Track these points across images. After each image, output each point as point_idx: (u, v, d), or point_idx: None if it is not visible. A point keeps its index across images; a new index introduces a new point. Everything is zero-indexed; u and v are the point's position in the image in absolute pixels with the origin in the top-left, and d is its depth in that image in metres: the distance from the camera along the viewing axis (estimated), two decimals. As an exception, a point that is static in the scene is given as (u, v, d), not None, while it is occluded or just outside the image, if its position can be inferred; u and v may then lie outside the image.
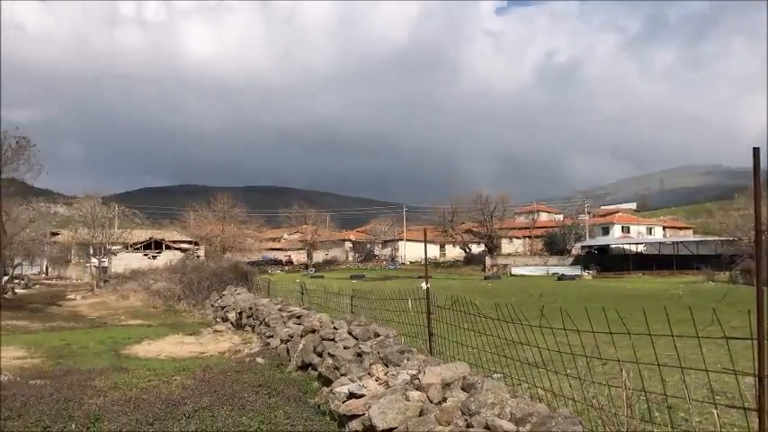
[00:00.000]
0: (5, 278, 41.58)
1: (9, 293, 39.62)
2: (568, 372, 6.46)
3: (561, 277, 59.64)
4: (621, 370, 5.40)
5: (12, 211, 37.20)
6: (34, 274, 62.75)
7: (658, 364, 4.83)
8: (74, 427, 8.12)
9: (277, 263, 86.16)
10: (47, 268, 69.32)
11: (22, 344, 18.07)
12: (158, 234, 70.07)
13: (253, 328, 20.15)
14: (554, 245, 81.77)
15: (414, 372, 8.49)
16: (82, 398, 9.85)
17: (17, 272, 53.02)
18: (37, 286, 51.89)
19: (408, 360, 9.47)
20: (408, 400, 7.32)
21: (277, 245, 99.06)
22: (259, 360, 14.79)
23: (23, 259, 50.82)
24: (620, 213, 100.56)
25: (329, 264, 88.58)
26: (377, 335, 11.68)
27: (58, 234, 65.97)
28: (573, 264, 73.22)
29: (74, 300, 38.34)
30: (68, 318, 27.83)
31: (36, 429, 7.87)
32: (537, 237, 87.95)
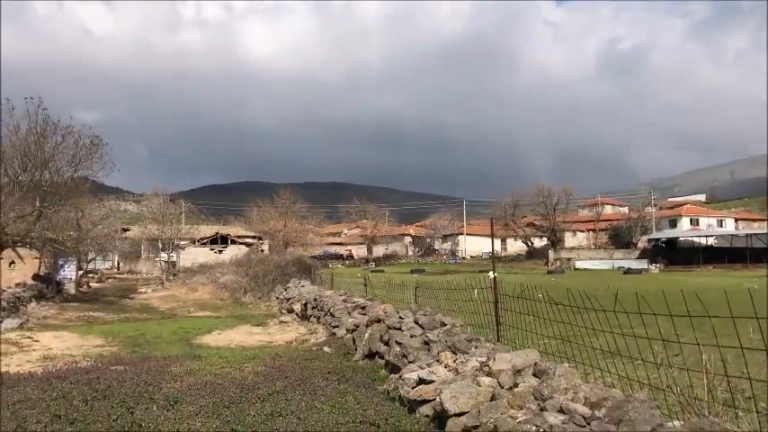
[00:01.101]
0: (80, 273, 43.45)
1: (84, 287, 41.40)
2: (642, 359, 6.36)
3: (627, 271, 58.21)
4: (702, 354, 5.29)
5: (85, 209, 38.76)
6: (107, 269, 65.36)
7: (741, 347, 4.72)
8: (155, 408, 8.47)
9: (337, 257, 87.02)
10: (118, 263, 72.07)
11: (99, 333, 18.90)
12: (223, 229, 71.87)
13: (318, 318, 20.49)
14: (619, 238, 79.86)
15: (483, 359, 8.51)
16: (160, 382, 10.26)
17: (91, 267, 55.31)
18: (110, 280, 54.04)
19: (476, 348, 9.49)
20: (479, 386, 7.35)
21: (337, 240, 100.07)
22: (326, 349, 15.06)
23: (97, 254, 52.92)
24: (688, 205, 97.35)
25: (389, 258, 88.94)
26: (443, 324, 11.73)
27: (128, 230, 68.42)
28: (639, 257, 71.29)
29: (145, 293, 39.75)
30: (141, 309, 28.90)
31: (121, 410, 8.25)
32: (601, 230, 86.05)
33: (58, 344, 16.29)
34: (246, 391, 9.53)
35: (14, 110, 28.14)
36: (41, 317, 23.50)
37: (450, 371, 8.66)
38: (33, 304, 26.27)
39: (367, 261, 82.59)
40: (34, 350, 15.26)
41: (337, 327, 17.00)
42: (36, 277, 33.09)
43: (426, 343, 10.87)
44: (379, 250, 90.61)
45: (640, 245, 76.99)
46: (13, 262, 33.68)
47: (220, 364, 12.65)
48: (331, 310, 18.87)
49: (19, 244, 30.75)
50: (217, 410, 8.32)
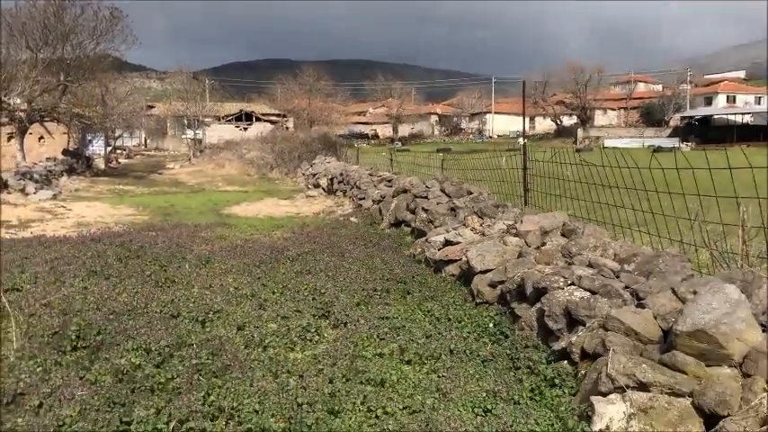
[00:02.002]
0: (109, 149, 43.87)
1: (113, 162, 41.93)
2: (676, 218, 6.22)
3: (657, 149, 57.09)
4: (739, 206, 5.14)
5: (110, 84, 38.46)
6: (134, 146, 65.87)
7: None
8: (187, 266, 8.69)
9: (363, 136, 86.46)
10: (145, 140, 72.53)
11: (130, 204, 19.29)
12: (248, 107, 71.36)
13: (344, 192, 20.61)
14: (651, 116, 77.68)
15: (510, 222, 8.49)
16: (191, 245, 10.49)
17: (118, 143, 55.76)
18: (137, 157, 54.59)
19: (503, 213, 9.46)
20: (506, 245, 7.36)
21: (362, 119, 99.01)
22: (353, 219, 15.22)
23: (123, 131, 53.15)
24: (725, 82, 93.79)
25: (415, 138, 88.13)
26: (470, 193, 11.68)
27: (153, 107, 68.28)
28: (670, 135, 69.69)
29: (173, 169, 40.18)
30: (169, 184, 29.31)
31: (155, 267, 8.47)
32: (633, 108, 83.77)
33: (90, 212, 16.68)
34: (276, 252, 9.71)
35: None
36: (73, 189, 23.97)
37: (476, 233, 8.68)
38: (65, 178, 26.74)
39: (392, 140, 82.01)
40: (68, 218, 15.66)
41: (363, 199, 17.09)
42: (65, 152, 33.50)
43: (453, 210, 10.88)
44: (404, 129, 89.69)
45: (672, 123, 75.04)
46: (42, 137, 34.03)
47: (249, 231, 12.87)
48: (357, 183, 18.93)
49: (47, 118, 30.90)
50: (247, 269, 8.51)
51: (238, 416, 4.08)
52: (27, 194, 20.52)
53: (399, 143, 78.38)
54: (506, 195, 11.17)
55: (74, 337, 5.37)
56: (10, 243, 10.82)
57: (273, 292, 7.28)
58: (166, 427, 3.86)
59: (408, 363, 5.14)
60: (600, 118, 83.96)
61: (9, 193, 20.07)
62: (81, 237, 11.50)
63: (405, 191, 13.84)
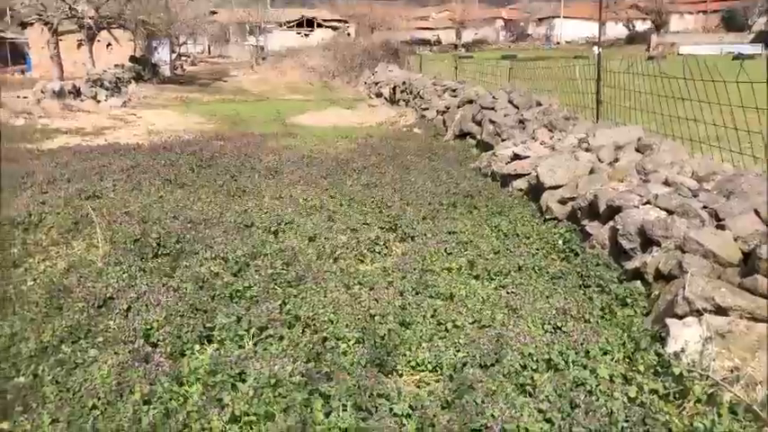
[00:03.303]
0: (174, 56, 44.19)
1: (179, 70, 42.34)
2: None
3: (737, 57, 53.74)
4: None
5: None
6: (198, 53, 66.20)
7: None
8: (257, 177, 8.86)
9: (425, 43, 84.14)
10: (209, 47, 72.66)
11: (198, 112, 19.58)
12: (309, 13, 70.22)
13: (406, 102, 20.34)
14: (732, 21, 72.59)
15: (582, 135, 8.24)
16: (259, 155, 10.64)
17: (183, 50, 56.06)
18: (202, 64, 54.88)
19: (574, 126, 9.18)
20: (577, 160, 7.19)
21: (425, 24, 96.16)
22: (416, 130, 15.09)
23: (188, 38, 53.29)
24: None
25: (479, 44, 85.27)
26: (539, 104, 11.34)
27: (216, 13, 67.91)
28: (753, 41, 65.26)
29: (236, 76, 40.31)
30: (234, 92, 29.49)
31: (226, 177, 8.68)
32: (713, 11, 78.45)
33: (160, 120, 17.04)
34: (342, 164, 9.77)
35: None
36: (141, 97, 24.42)
37: (546, 147, 8.48)
38: (133, 85, 27.20)
39: (456, 47, 79.67)
40: (138, 125, 16.06)
41: (427, 109, 16.85)
42: (132, 59, 33.92)
43: (521, 122, 10.62)
44: (468, 35, 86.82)
45: (756, 27, 70.04)
46: (109, 44, 34.50)
47: (314, 141, 12.94)
48: (420, 93, 18.61)
49: (114, 26, 31.22)
50: (315, 180, 8.62)
51: (314, 325, 4.24)
52: (99, 102, 21.05)
53: (463, 49, 76.12)
54: (577, 107, 10.81)
55: (155, 244, 5.62)
56: (87, 150, 11.23)
57: (341, 205, 7.38)
58: (247, 334, 4.05)
59: (477, 278, 5.19)
60: (676, 23, 79.17)
61: (82, 100, 20.61)
62: (153, 145, 11.82)
63: (470, 101, 13.55)
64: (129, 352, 3.75)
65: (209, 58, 65.00)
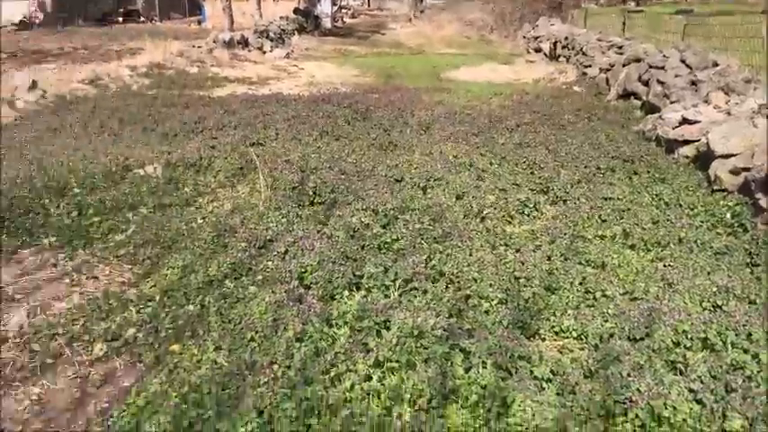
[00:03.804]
0: (335, 8, 45.22)
1: (339, 22, 43.32)
2: None
3: None
4: None
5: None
6: (358, 5, 67.30)
7: None
8: (409, 132, 8.96)
9: (591, -5, 79.79)
10: (368, 0, 73.74)
11: (355, 65, 19.99)
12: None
13: (567, 58, 19.46)
14: None
15: (763, 101, 7.50)
16: (412, 110, 10.70)
17: (343, 2, 57.21)
18: (361, 17, 55.79)
19: (756, 90, 8.36)
20: (756, 128, 6.56)
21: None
22: (576, 88, 14.44)
23: (348, -10, 54.26)
24: None
25: (651, -3, 79.44)
26: (715, 64, 10.41)
27: (376, -34, 68.52)
28: None
29: (394, 29, 40.56)
30: (390, 45, 29.73)
31: (379, 130, 8.86)
32: None
33: (319, 72, 17.61)
34: (494, 121, 9.61)
35: None
36: (303, 48, 25.31)
37: (720, 112, 7.81)
38: (296, 37, 28.24)
39: (625, 1, 74.75)
40: (300, 76, 16.70)
41: (589, 66, 16.03)
42: (296, 11, 35.14)
43: (693, 83, 9.83)
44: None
45: None
46: (276, -4, 35.91)
47: (468, 96, 12.81)
48: (583, 49, 17.71)
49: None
50: (466, 137, 8.55)
51: (458, 282, 4.28)
52: (264, 52, 22.12)
53: (633, 3, 71.15)
54: (761, 69, 9.79)
55: (311, 193, 5.90)
56: (253, 99, 11.89)
57: (491, 163, 7.29)
58: (393, 285, 4.18)
59: (632, 248, 4.95)
60: None
61: (249, 50, 21.75)
62: (312, 96, 12.27)
63: (637, 59, 12.70)
64: (285, 292, 4.01)
65: (368, 11, 65.86)
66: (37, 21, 34.07)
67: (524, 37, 28.13)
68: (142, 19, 42.25)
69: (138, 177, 6.61)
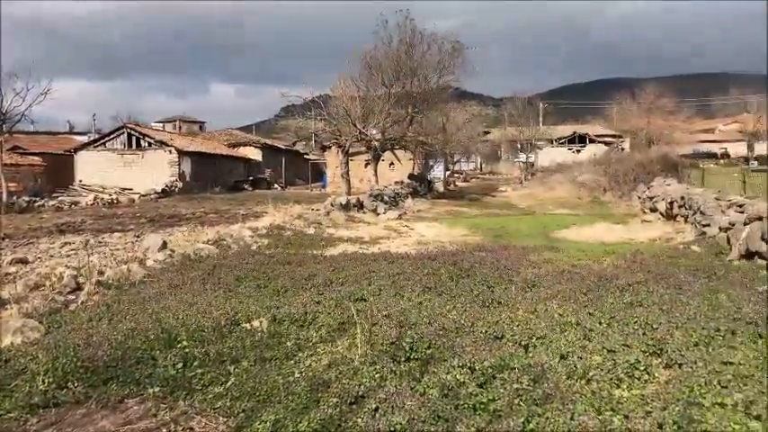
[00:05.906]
0: (448, 173, 47.11)
1: (451, 185, 44.90)
2: None
3: None
4: None
5: (450, 113, 41.33)
6: (470, 170, 69.83)
7: None
8: (514, 289, 8.81)
9: (710, 156, 78.36)
10: (480, 164, 76.34)
11: (464, 225, 20.37)
12: (581, 129, 70.35)
13: (685, 218, 18.91)
14: None
15: None
16: (518, 268, 10.61)
17: (456, 167, 59.55)
18: (473, 180, 57.65)
19: None
20: None
21: (710, 137, 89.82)
22: (694, 248, 13.86)
23: (461, 156, 56.67)
24: None
25: (775, 156, 76.90)
26: None
27: (488, 132, 71.47)
28: None
29: (504, 191, 41.45)
30: (501, 206, 30.27)
31: (483, 287, 8.79)
32: None
33: (429, 232, 18.06)
34: (605, 280, 9.29)
35: (387, 23, 30.97)
36: (416, 210, 26.26)
37: None
38: (409, 200, 29.43)
39: (747, 160, 72.76)
40: (410, 236, 17.18)
41: (708, 225, 15.46)
42: (411, 176, 36.89)
43: (823, 242, 9.18)
44: (762, 147, 78.88)
45: None
46: (392, 163, 38.07)
47: (578, 256, 12.57)
48: (701, 208, 17.19)
49: (396, 147, 34.52)
50: (573, 296, 8.29)
51: (557, 449, 3.97)
52: (378, 214, 23.12)
53: (755, 162, 69.23)
54: None
55: (408, 348, 5.83)
56: (362, 257, 12.26)
57: (600, 323, 6.95)
58: (485, 448, 3.93)
59: (757, 418, 4.44)
60: None
61: (364, 212, 22.83)
62: (419, 254, 12.50)
63: (760, 218, 12.12)
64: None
65: (480, 174, 68.04)
66: (176, 189, 37.76)
67: (639, 197, 27.80)
68: (273, 186, 45.86)
69: (245, 332, 6.83)
